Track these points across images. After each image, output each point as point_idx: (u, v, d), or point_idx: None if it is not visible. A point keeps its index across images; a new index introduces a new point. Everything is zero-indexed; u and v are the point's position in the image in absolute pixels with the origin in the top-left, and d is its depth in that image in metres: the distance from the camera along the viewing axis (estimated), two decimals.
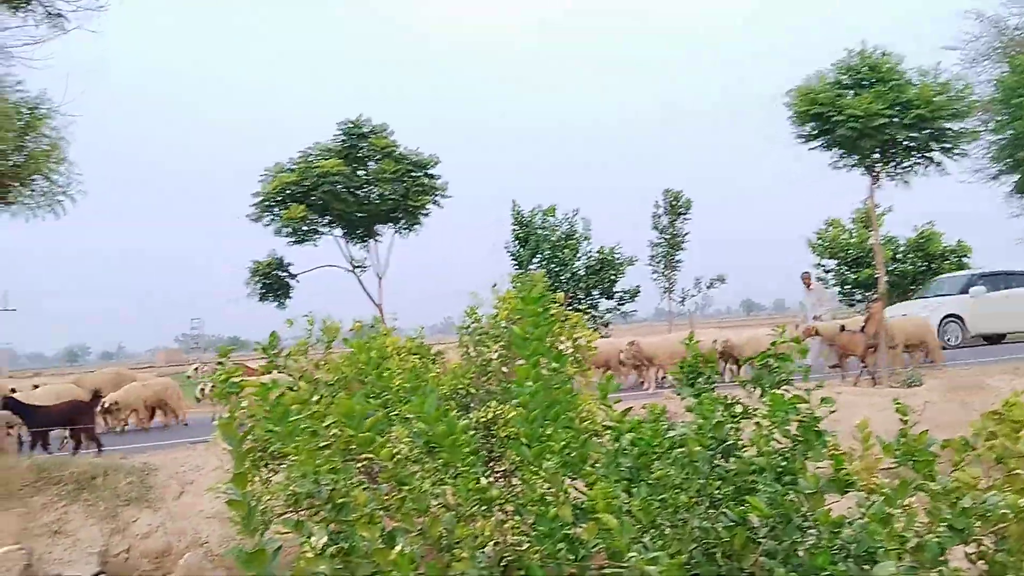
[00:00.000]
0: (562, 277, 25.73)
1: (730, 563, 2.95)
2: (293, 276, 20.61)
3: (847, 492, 2.99)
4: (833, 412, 3.20)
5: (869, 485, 3.07)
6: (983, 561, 2.88)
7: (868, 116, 12.32)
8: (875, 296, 16.58)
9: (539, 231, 26.48)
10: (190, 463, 9.38)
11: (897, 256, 27.48)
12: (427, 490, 3.04)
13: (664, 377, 16.10)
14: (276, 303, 20.44)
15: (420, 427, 3.26)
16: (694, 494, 3.07)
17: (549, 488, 2.90)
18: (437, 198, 20.17)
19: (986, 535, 2.85)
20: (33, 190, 10.74)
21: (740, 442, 3.29)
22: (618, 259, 26.88)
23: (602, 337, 17.08)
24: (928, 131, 12.72)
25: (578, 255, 26.59)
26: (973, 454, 3.10)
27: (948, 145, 13.07)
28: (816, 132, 13.23)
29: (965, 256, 27.48)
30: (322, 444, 3.15)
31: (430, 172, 20.01)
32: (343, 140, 19.69)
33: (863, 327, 14.09)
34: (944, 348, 17.06)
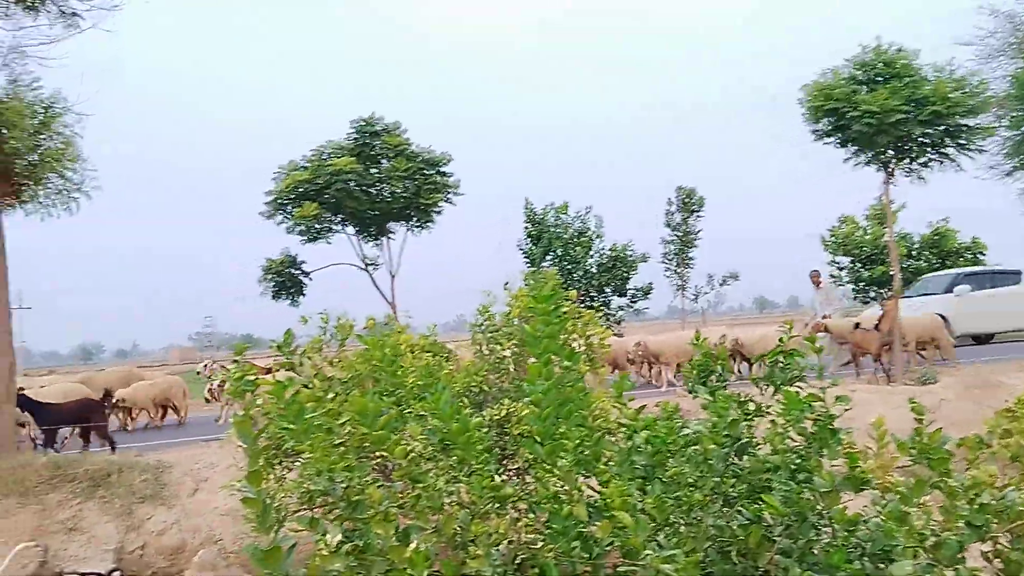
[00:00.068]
0: (575, 275, 25.67)
1: (745, 561, 2.95)
2: (306, 274, 20.70)
3: (862, 490, 2.98)
4: (848, 410, 3.19)
5: (884, 483, 3.06)
6: (999, 560, 2.87)
7: (884, 112, 12.24)
8: (890, 293, 16.48)
9: (552, 228, 26.41)
10: (204, 460, 9.41)
11: (912, 253, 27.29)
12: (441, 488, 3.05)
13: (677, 375, 16.06)
14: (289, 301, 20.53)
15: (434, 424, 3.27)
16: (709, 492, 3.06)
17: (563, 486, 2.90)
18: (449, 196, 20.20)
19: (1002, 533, 2.84)
20: (48, 188, 10.79)
21: (754, 440, 3.29)
22: (631, 256, 26.78)
23: (615, 335, 17.07)
24: (943, 127, 12.64)
25: (591, 252, 26.50)
26: (988, 452, 3.09)
27: (963, 141, 12.99)
28: (831, 128, 13.17)
29: (980, 253, 27.24)
30: (336, 442, 3.17)
31: (442, 170, 20.04)
32: (356, 138, 19.74)
33: (877, 325, 14.02)
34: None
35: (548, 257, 26.02)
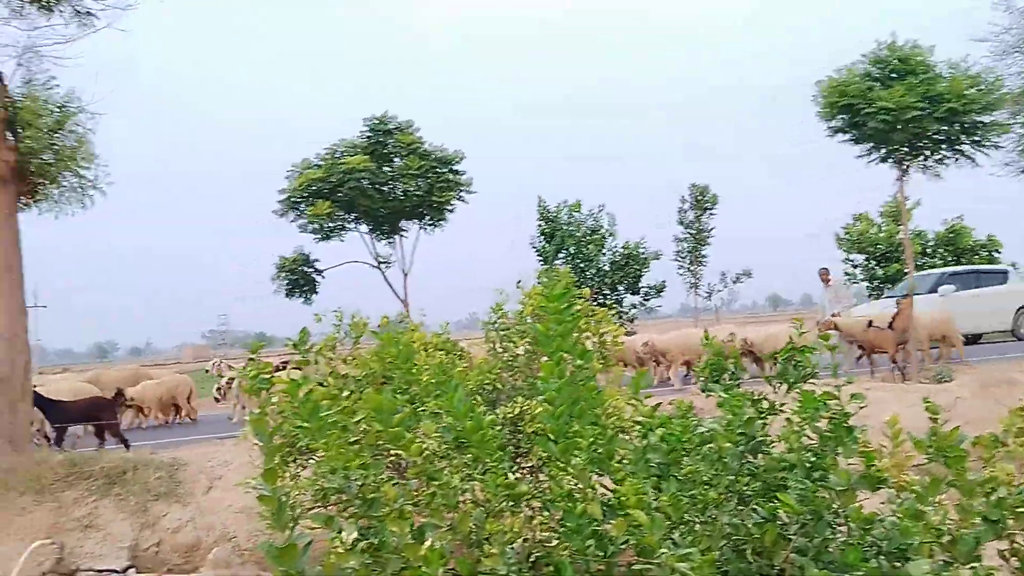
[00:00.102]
0: (587, 273, 25.64)
1: (760, 560, 2.94)
2: (319, 272, 20.77)
3: (878, 489, 2.97)
4: (863, 408, 3.18)
5: (900, 482, 3.05)
6: (1016, 558, 2.85)
7: (900, 109, 12.19)
8: (904, 292, 16.39)
9: (565, 227, 26.38)
10: (218, 458, 9.46)
11: (927, 251, 27.13)
12: (456, 486, 3.05)
13: (688, 374, 16.03)
14: (303, 299, 20.60)
15: (449, 422, 3.27)
16: (724, 490, 3.06)
17: (577, 484, 2.90)
18: (462, 194, 20.22)
19: (1019, 531, 2.83)
20: (63, 187, 10.84)
21: (769, 439, 3.28)
22: (643, 254, 26.72)
23: (627, 333, 17.05)
24: (959, 124, 12.57)
25: (603, 250, 26.46)
26: (1004, 450, 3.07)
27: (978, 138, 12.91)
28: (845, 125, 13.12)
29: (996, 251, 27.07)
30: (351, 439, 3.17)
31: (455, 168, 20.06)
32: (369, 136, 19.78)
33: (891, 323, 13.96)
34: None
35: (561, 255, 26.00)
